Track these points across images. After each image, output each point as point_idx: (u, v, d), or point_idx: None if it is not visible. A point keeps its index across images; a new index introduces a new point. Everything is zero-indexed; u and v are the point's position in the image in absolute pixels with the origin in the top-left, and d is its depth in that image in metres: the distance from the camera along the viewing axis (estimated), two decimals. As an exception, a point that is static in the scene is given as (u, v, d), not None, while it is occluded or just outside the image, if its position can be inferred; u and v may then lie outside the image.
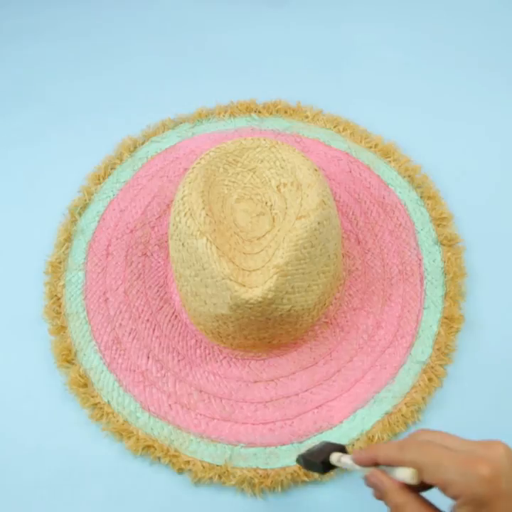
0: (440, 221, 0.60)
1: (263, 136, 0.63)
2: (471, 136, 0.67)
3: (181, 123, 0.68)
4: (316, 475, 0.48)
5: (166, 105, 0.69)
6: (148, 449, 0.50)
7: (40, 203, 0.64)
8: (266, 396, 0.52)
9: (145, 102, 0.70)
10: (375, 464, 0.35)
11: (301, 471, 0.48)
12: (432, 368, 0.53)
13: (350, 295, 0.56)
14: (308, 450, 0.44)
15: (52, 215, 0.62)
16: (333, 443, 0.43)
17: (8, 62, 0.75)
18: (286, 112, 0.68)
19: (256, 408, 0.52)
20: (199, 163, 0.50)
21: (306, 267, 0.47)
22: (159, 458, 0.50)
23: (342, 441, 0.50)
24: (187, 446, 0.50)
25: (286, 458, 0.50)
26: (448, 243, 0.59)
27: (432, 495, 0.33)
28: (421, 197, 0.62)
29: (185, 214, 0.48)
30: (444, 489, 0.31)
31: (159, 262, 0.59)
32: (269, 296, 0.46)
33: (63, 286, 0.58)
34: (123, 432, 0.51)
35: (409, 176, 0.63)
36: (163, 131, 0.67)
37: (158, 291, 0.57)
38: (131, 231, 0.60)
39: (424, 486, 0.33)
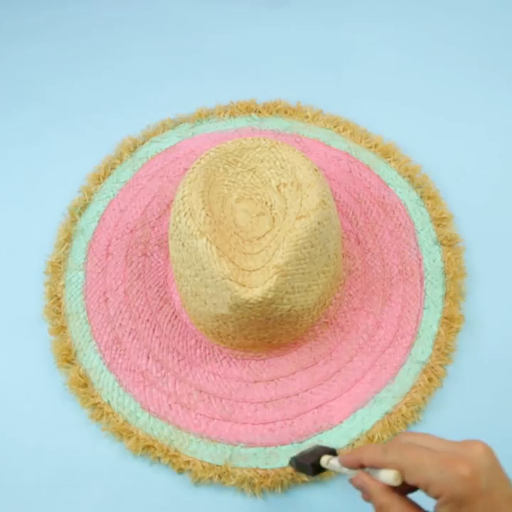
0: (440, 221, 0.60)
1: (263, 136, 0.63)
2: (471, 136, 0.67)
3: (181, 123, 0.68)
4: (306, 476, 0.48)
5: (166, 105, 0.69)
6: (148, 449, 0.50)
7: (40, 203, 0.64)
8: (266, 396, 0.52)
9: (145, 102, 0.70)
10: (361, 467, 0.36)
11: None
12: (432, 367, 0.53)
13: (350, 295, 0.56)
14: (300, 453, 0.45)
15: (52, 215, 0.62)
16: (324, 446, 0.44)
17: (8, 62, 0.75)
18: (286, 112, 0.68)
19: (256, 408, 0.52)
20: (199, 163, 0.50)
21: (306, 267, 0.47)
22: (159, 458, 0.50)
23: (342, 441, 0.50)
24: (187, 446, 0.50)
25: (286, 458, 0.49)
26: (448, 243, 0.59)
27: (418, 496, 0.33)
28: (421, 197, 0.62)
29: (185, 214, 0.48)
30: (425, 489, 0.31)
31: (159, 262, 0.59)
32: (269, 296, 0.46)
33: (63, 286, 0.58)
34: (123, 432, 0.51)
35: (409, 176, 0.63)
36: (163, 131, 0.67)
37: (158, 291, 0.57)
38: (131, 231, 0.60)
39: (410, 488, 0.34)
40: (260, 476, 0.49)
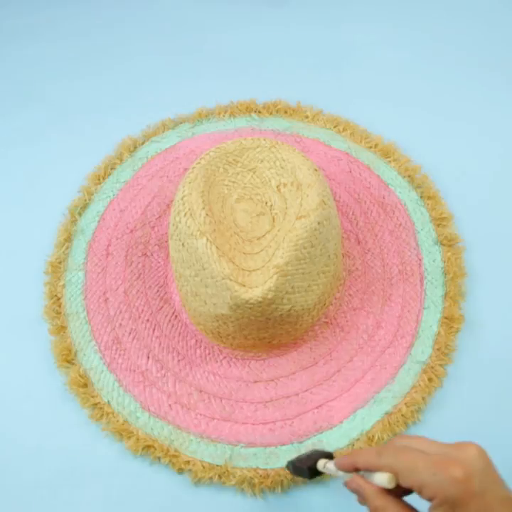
0: (440, 221, 0.60)
1: (263, 136, 0.63)
2: (471, 136, 0.67)
3: (181, 123, 0.68)
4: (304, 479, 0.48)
5: (166, 105, 0.69)
6: (148, 449, 0.50)
7: (40, 203, 0.64)
8: (266, 396, 0.52)
9: (145, 102, 0.70)
10: (356, 470, 0.36)
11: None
12: (432, 367, 0.53)
13: (350, 295, 0.56)
14: (297, 456, 0.45)
15: (52, 215, 0.62)
16: (321, 450, 0.44)
17: (8, 62, 0.75)
18: (286, 112, 0.68)
19: (256, 408, 0.52)
20: (199, 163, 0.50)
21: (306, 267, 0.47)
22: (159, 458, 0.50)
23: (342, 441, 0.50)
24: (187, 446, 0.50)
25: (286, 458, 0.49)
26: (448, 243, 0.59)
27: (413, 499, 0.34)
28: (421, 197, 0.62)
29: (185, 214, 0.48)
30: (419, 492, 0.32)
31: (159, 262, 0.59)
32: (269, 296, 0.46)
33: (63, 286, 0.58)
34: (123, 432, 0.51)
35: (409, 176, 0.63)
36: (163, 131, 0.67)
37: (158, 291, 0.57)
38: (131, 231, 0.60)
39: (405, 490, 0.34)
40: (260, 476, 0.49)
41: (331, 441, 0.50)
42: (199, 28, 0.77)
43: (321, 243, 0.48)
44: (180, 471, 0.50)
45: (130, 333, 0.55)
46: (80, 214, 0.62)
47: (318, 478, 0.43)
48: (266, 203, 0.51)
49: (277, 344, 0.53)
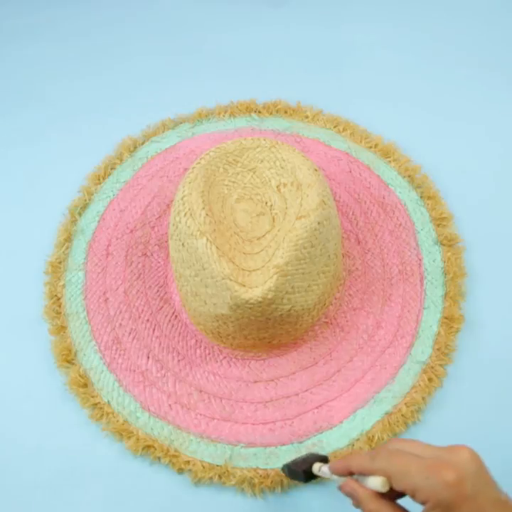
0: (440, 221, 0.60)
1: (263, 136, 0.63)
2: (471, 136, 0.67)
3: (181, 123, 0.68)
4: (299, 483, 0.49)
5: (166, 105, 0.69)
6: (148, 449, 0.50)
7: (40, 203, 0.64)
8: (266, 396, 0.52)
9: (145, 102, 0.70)
10: (350, 474, 0.36)
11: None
12: (432, 367, 0.53)
13: (350, 295, 0.56)
14: (292, 460, 0.46)
15: (52, 215, 0.62)
16: (317, 454, 0.45)
17: (8, 62, 0.75)
18: (286, 112, 0.68)
19: (256, 408, 0.52)
20: (199, 163, 0.50)
21: (306, 267, 0.47)
22: (159, 458, 0.50)
23: (342, 441, 0.50)
24: (187, 446, 0.50)
25: (286, 458, 0.50)
26: (448, 243, 0.59)
27: (407, 502, 0.34)
28: (421, 197, 0.62)
29: (185, 214, 0.48)
30: (412, 495, 0.32)
31: (159, 262, 0.59)
32: (269, 296, 0.46)
33: (63, 286, 0.58)
34: (123, 432, 0.51)
35: (409, 176, 0.63)
36: (163, 131, 0.67)
37: (158, 291, 0.57)
38: (131, 231, 0.60)
39: (399, 494, 0.34)
40: (260, 476, 0.49)
41: (331, 441, 0.50)
42: (199, 28, 0.77)
43: (321, 243, 0.48)
44: (180, 471, 0.50)
45: (130, 333, 0.55)
46: (80, 214, 0.62)
47: (313, 481, 0.43)
48: (266, 203, 0.51)
49: (277, 344, 0.53)
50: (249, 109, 0.68)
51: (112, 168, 0.64)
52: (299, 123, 0.67)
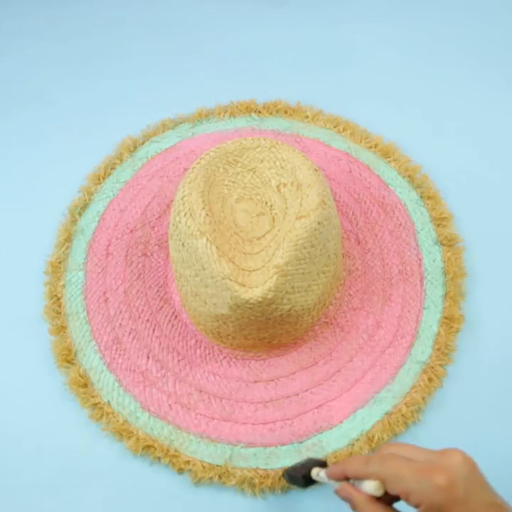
0: (440, 221, 0.60)
1: (263, 136, 0.63)
2: (471, 136, 0.67)
3: (181, 123, 0.68)
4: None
5: (166, 105, 0.69)
6: (148, 449, 0.50)
7: (40, 203, 0.64)
8: (266, 396, 0.52)
9: (145, 102, 0.70)
10: (346, 478, 0.37)
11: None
12: (432, 367, 0.53)
13: (350, 295, 0.56)
14: (292, 465, 0.46)
15: (52, 215, 0.62)
16: (316, 459, 0.45)
17: (8, 62, 0.75)
18: (286, 112, 0.68)
19: (256, 408, 0.52)
20: (199, 163, 0.50)
21: (306, 267, 0.47)
22: (159, 458, 0.50)
23: (342, 441, 0.50)
24: (187, 446, 0.50)
25: (286, 458, 0.50)
26: (448, 243, 0.59)
27: (402, 506, 0.34)
28: (421, 197, 0.62)
29: (185, 214, 0.48)
30: (406, 499, 0.32)
31: (159, 262, 0.59)
32: (269, 296, 0.46)
33: (63, 286, 0.58)
34: (123, 432, 0.51)
35: (409, 176, 0.63)
36: (163, 131, 0.67)
37: (158, 291, 0.57)
38: (131, 231, 0.60)
39: (394, 497, 0.34)
40: (260, 476, 0.49)
41: (331, 441, 0.50)
42: (199, 28, 0.77)
43: (321, 243, 0.48)
44: (180, 471, 0.50)
45: (130, 333, 0.55)
46: (80, 214, 0.62)
47: (313, 486, 0.43)
48: (266, 203, 0.51)
49: (277, 344, 0.53)
50: (249, 109, 0.68)
51: (112, 168, 0.64)
52: (299, 123, 0.67)
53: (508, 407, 0.52)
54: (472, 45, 0.74)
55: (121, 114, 0.69)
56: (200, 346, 0.54)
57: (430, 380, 0.52)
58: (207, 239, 0.46)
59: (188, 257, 0.48)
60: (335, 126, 0.67)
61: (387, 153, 0.64)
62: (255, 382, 0.53)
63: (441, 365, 0.53)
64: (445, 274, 0.57)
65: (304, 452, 0.50)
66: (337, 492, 0.37)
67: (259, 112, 0.68)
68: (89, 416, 0.52)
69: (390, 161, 0.64)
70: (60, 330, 0.56)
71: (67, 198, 0.63)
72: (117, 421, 0.51)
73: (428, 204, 0.61)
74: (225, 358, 0.54)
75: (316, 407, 0.52)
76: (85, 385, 0.53)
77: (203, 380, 0.53)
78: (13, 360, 0.55)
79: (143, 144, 0.66)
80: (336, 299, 0.56)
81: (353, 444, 0.50)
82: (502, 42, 0.74)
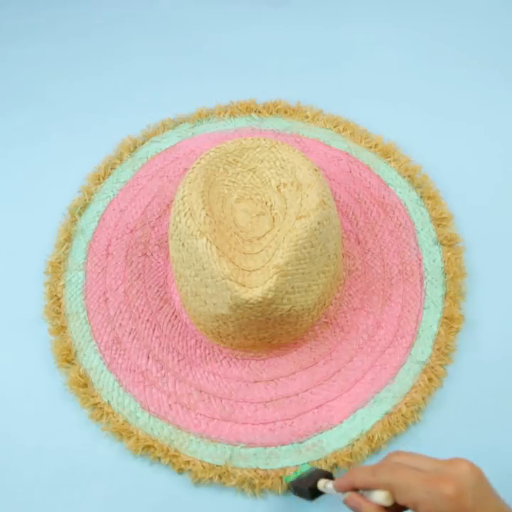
0: (440, 221, 0.60)
1: (263, 136, 0.63)
2: (471, 136, 0.67)
3: (181, 123, 0.68)
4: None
5: (166, 105, 0.69)
6: (148, 449, 0.50)
7: (40, 203, 0.64)
8: (266, 396, 0.52)
9: (145, 102, 0.70)
10: (354, 489, 0.37)
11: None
12: (432, 367, 0.53)
13: (350, 295, 0.56)
14: (297, 477, 0.46)
15: (52, 215, 0.62)
16: (321, 469, 0.45)
17: (8, 62, 0.75)
18: (286, 112, 0.68)
19: (256, 408, 0.52)
20: (199, 163, 0.50)
21: (306, 267, 0.47)
22: (159, 458, 0.50)
23: (342, 441, 0.50)
24: (187, 446, 0.50)
25: (286, 458, 0.50)
26: (448, 243, 0.59)
27: None
28: (421, 197, 0.62)
29: (185, 214, 0.48)
30: (414, 508, 0.33)
31: (159, 262, 0.59)
32: (269, 296, 0.46)
33: (63, 286, 0.58)
34: (123, 432, 0.51)
35: (409, 176, 0.63)
36: (163, 131, 0.67)
37: (158, 291, 0.57)
38: (131, 231, 0.60)
39: (401, 507, 0.35)
40: (260, 476, 0.49)
41: (331, 441, 0.50)
42: (199, 28, 0.77)
43: (321, 243, 0.48)
44: (180, 471, 0.50)
45: (130, 333, 0.55)
46: (80, 214, 0.62)
47: (319, 497, 0.43)
48: (266, 203, 0.51)
49: (277, 344, 0.53)
50: (249, 109, 0.68)
51: (112, 168, 0.64)
52: (299, 123, 0.67)
53: (508, 407, 0.52)
54: (472, 45, 0.74)
55: (121, 114, 0.69)
56: (200, 346, 0.54)
57: (430, 380, 0.52)
58: (207, 239, 0.46)
59: (188, 257, 0.48)
60: (335, 126, 0.67)
61: (387, 153, 0.64)
62: (255, 382, 0.53)
63: (441, 365, 0.53)
64: (445, 274, 0.57)
65: (304, 452, 0.50)
66: (346, 502, 0.37)
67: (259, 112, 0.68)
68: (89, 416, 0.52)
69: (390, 161, 0.64)
70: (60, 330, 0.56)
71: (67, 198, 0.63)
72: (117, 421, 0.51)
73: (428, 204, 0.61)
74: (225, 358, 0.54)
75: (316, 407, 0.52)
76: (85, 385, 0.53)
77: (203, 380, 0.53)
78: (13, 360, 0.55)
79: (143, 143, 0.66)
80: (336, 299, 0.56)
81: (353, 444, 0.50)
82: (502, 42, 0.74)
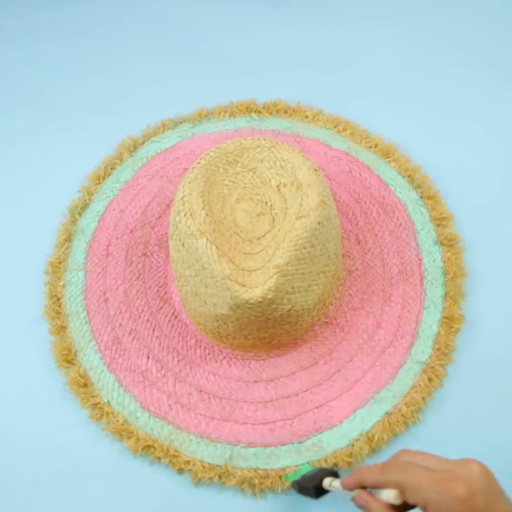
0: (440, 221, 0.60)
1: (263, 136, 0.63)
2: (471, 135, 0.67)
3: (181, 123, 0.68)
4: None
5: (166, 105, 0.69)
6: (148, 449, 0.50)
7: (40, 203, 0.64)
8: (266, 396, 0.52)
9: (145, 102, 0.70)
10: (362, 487, 0.37)
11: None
12: (432, 367, 0.53)
13: (350, 295, 0.56)
14: (302, 476, 0.45)
15: (52, 215, 0.62)
16: (325, 468, 0.45)
17: (8, 62, 0.75)
18: (286, 112, 0.68)
19: (256, 408, 0.52)
20: (199, 163, 0.50)
21: (306, 267, 0.47)
22: (159, 458, 0.50)
23: (342, 441, 0.50)
24: (187, 446, 0.50)
25: (286, 458, 0.50)
26: (448, 243, 0.59)
27: None
28: (421, 197, 0.62)
29: (185, 214, 0.48)
30: (424, 508, 0.32)
31: (159, 262, 0.59)
32: (269, 296, 0.46)
33: (63, 286, 0.58)
34: (123, 432, 0.51)
35: (409, 176, 0.63)
36: (163, 131, 0.67)
37: (158, 291, 0.57)
38: (131, 231, 0.60)
39: (407, 506, 0.34)
40: (260, 476, 0.49)
41: (331, 441, 0.50)
42: (199, 28, 0.77)
43: (321, 243, 0.48)
44: (180, 471, 0.50)
45: (130, 333, 0.55)
46: (80, 214, 0.62)
47: (324, 496, 0.43)
48: (266, 203, 0.51)
49: (277, 344, 0.53)
50: (249, 109, 0.68)
51: (112, 168, 0.64)
52: (299, 123, 0.67)
53: (508, 406, 0.52)
54: (472, 45, 0.74)
55: (121, 114, 0.69)
56: (200, 346, 0.54)
57: (430, 380, 0.52)
58: (207, 239, 0.46)
59: (188, 257, 0.48)
60: (335, 126, 0.67)
61: (387, 153, 0.64)
62: (255, 382, 0.53)
63: (441, 365, 0.53)
64: (445, 274, 0.57)
65: (304, 452, 0.50)
66: (354, 500, 0.37)
67: (259, 112, 0.68)
68: (89, 416, 0.52)
69: (390, 161, 0.64)
70: (60, 330, 0.56)
71: (67, 198, 0.63)
72: (117, 421, 0.51)
73: (428, 204, 0.61)
74: (225, 358, 0.54)
75: (316, 407, 0.52)
76: (85, 385, 0.53)
77: (203, 380, 0.53)
78: (13, 360, 0.55)
79: (143, 143, 0.66)
80: (336, 299, 0.56)
81: (353, 444, 0.50)
82: (502, 42, 0.74)
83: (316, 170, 0.50)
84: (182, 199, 0.49)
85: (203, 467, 0.49)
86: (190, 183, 0.49)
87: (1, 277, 0.59)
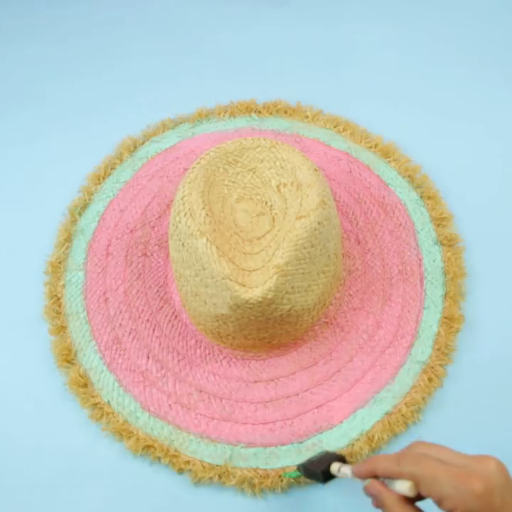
0: (440, 221, 0.60)
1: (263, 136, 0.63)
2: (471, 135, 0.67)
3: (181, 123, 0.68)
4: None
5: (166, 105, 0.69)
6: (148, 449, 0.50)
7: (40, 203, 0.64)
8: (266, 396, 0.52)
9: (145, 102, 0.70)
10: (375, 476, 0.36)
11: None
12: (432, 367, 0.53)
13: (350, 295, 0.56)
14: (308, 459, 0.45)
15: (52, 215, 0.62)
16: (332, 452, 0.44)
17: (8, 62, 0.75)
18: (286, 112, 0.68)
19: (256, 408, 0.52)
20: (199, 163, 0.50)
21: (306, 267, 0.47)
22: (159, 458, 0.50)
23: (342, 441, 0.50)
24: (187, 446, 0.50)
25: (286, 458, 0.50)
26: (448, 243, 0.59)
27: (428, 506, 0.34)
28: (421, 197, 0.62)
29: (185, 214, 0.48)
30: (439, 502, 0.32)
31: (159, 262, 0.59)
32: (269, 296, 0.46)
33: (63, 286, 0.58)
34: (123, 432, 0.51)
35: (409, 176, 0.63)
36: (163, 131, 0.67)
37: (158, 291, 0.57)
38: (131, 231, 0.60)
39: (419, 497, 0.34)
40: (260, 476, 0.49)
41: (331, 441, 0.50)
42: (199, 28, 0.77)
43: (321, 243, 0.48)
44: (180, 471, 0.50)
45: (130, 333, 0.55)
46: (80, 214, 0.62)
47: (331, 481, 0.42)
48: (266, 203, 0.51)
49: (277, 344, 0.53)
50: (249, 109, 0.68)
51: (112, 168, 0.64)
52: (299, 123, 0.67)
53: (508, 407, 0.52)
54: (472, 45, 0.74)
55: (121, 114, 0.69)
56: (200, 346, 0.54)
57: (430, 380, 0.52)
58: (207, 239, 0.46)
59: (188, 257, 0.48)
60: (335, 126, 0.67)
61: (387, 153, 0.64)
62: (255, 382, 0.53)
63: (441, 365, 0.53)
64: (445, 274, 0.57)
65: (304, 452, 0.50)
66: (365, 489, 0.37)
67: (259, 112, 0.68)
68: (89, 416, 0.52)
69: (390, 161, 0.64)
70: (60, 330, 0.56)
71: (67, 198, 0.63)
72: (117, 421, 0.51)
73: (428, 204, 0.61)
74: (225, 358, 0.54)
75: (316, 407, 0.52)
76: (85, 385, 0.53)
77: (203, 380, 0.53)
78: (13, 360, 0.55)
79: (143, 143, 0.66)
80: (336, 299, 0.56)
81: (353, 444, 0.50)
82: (502, 42, 0.74)
83: (316, 170, 0.50)
84: (182, 199, 0.49)
85: (203, 467, 0.49)
86: (190, 183, 0.49)
87: (1, 277, 0.59)
